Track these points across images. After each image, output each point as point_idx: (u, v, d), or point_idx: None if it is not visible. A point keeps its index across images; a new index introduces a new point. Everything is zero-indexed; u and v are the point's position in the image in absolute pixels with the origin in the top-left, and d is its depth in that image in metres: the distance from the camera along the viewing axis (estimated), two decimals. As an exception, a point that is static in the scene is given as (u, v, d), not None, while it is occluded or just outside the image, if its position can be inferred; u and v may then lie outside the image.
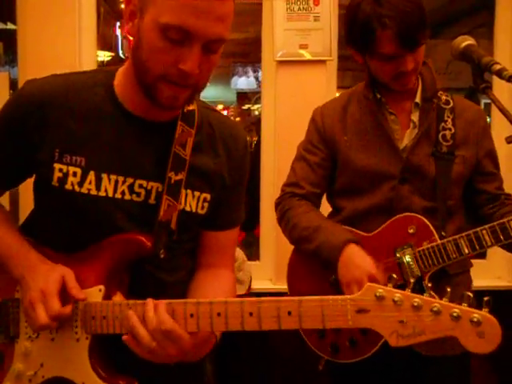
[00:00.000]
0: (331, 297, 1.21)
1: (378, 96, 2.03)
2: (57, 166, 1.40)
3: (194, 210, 1.48)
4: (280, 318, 1.23)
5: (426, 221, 1.94)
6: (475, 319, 1.09)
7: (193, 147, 1.45)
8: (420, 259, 1.92)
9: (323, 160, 2.12)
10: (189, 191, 1.47)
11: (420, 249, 1.93)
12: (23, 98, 1.43)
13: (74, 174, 1.39)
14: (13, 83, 3.27)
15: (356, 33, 1.92)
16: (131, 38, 1.36)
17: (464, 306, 1.11)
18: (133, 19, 1.32)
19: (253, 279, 3.35)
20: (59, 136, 1.40)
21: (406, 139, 2.02)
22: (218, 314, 1.27)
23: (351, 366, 2.01)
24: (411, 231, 1.94)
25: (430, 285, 1.19)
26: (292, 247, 2.22)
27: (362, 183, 2.04)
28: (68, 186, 1.40)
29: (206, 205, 1.50)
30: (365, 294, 1.18)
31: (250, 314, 1.25)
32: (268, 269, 3.42)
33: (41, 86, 1.42)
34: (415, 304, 1.13)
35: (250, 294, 3.28)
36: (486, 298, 1.14)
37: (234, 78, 10.17)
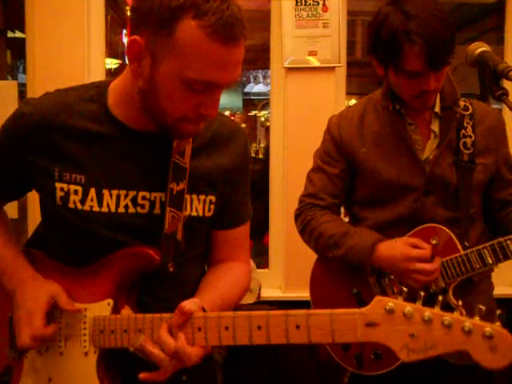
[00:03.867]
0: (340, 310, 1.19)
1: (397, 107, 1.97)
2: (58, 185, 1.40)
3: (200, 214, 1.48)
4: (288, 331, 1.21)
5: (449, 231, 1.91)
6: (487, 333, 1.06)
7: (192, 153, 1.45)
8: (444, 270, 1.90)
9: (342, 171, 2.08)
10: (194, 196, 1.47)
11: (443, 260, 1.90)
12: (19, 119, 1.43)
13: (76, 192, 1.40)
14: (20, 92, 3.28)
15: (381, 45, 1.84)
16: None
17: (476, 320, 1.08)
18: (139, 61, 1.29)
19: (262, 287, 3.34)
20: (57, 156, 1.40)
21: (427, 150, 1.97)
22: (226, 328, 1.26)
23: (375, 379, 1.97)
24: (434, 242, 1.90)
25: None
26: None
27: (383, 195, 2.00)
28: (71, 205, 1.40)
29: (212, 207, 1.50)
30: (375, 308, 1.15)
31: (258, 328, 1.23)
32: (277, 277, 3.40)
33: (35, 107, 1.42)
34: (426, 317, 1.10)
35: (260, 302, 3.27)
36: (498, 312, 1.11)
37: (250, 85, 10.21)
